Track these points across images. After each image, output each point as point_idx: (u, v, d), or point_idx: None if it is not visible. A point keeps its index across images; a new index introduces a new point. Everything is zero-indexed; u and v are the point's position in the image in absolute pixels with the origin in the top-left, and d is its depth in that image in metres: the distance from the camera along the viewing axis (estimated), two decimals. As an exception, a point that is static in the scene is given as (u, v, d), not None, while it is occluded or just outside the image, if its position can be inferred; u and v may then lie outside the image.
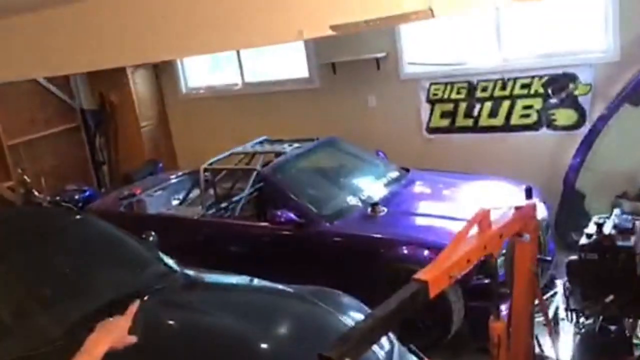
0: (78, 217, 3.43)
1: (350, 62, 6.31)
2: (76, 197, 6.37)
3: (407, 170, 5.38)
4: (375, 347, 2.69)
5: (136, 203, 5.89)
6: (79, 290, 2.93)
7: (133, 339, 1.65)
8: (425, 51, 6.20)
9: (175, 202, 6.00)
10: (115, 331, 1.63)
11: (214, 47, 2.24)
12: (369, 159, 5.53)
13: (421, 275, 1.96)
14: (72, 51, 2.78)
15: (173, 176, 6.52)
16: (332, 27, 2.03)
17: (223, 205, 5.35)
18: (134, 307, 1.69)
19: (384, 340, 2.78)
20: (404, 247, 4.14)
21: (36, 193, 6.48)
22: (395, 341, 2.85)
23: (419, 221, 4.50)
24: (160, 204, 5.86)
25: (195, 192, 5.84)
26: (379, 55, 6.13)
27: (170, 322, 2.79)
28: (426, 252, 4.07)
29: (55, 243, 3.16)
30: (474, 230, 2.19)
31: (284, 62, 7.14)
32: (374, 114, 6.45)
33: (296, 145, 5.45)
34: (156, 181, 6.43)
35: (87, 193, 6.48)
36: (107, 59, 2.85)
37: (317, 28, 2.09)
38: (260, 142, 5.81)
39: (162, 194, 6.14)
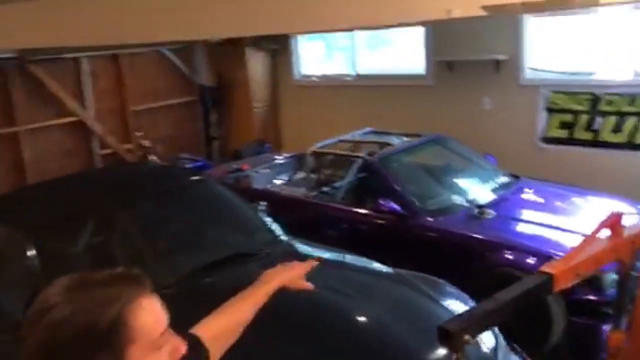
0: (197, 177, 3.62)
1: (469, 62, 6.20)
2: (189, 165, 6.70)
3: (517, 177, 5.22)
4: (480, 341, 2.66)
5: (243, 178, 6.13)
6: (193, 246, 3.11)
7: (308, 285, 1.66)
8: (548, 57, 5.98)
9: (278, 182, 6.17)
10: (293, 272, 1.65)
11: (359, 21, 2.28)
12: (477, 161, 5.41)
13: (548, 268, 1.90)
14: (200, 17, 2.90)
15: (279, 157, 6.74)
16: (484, 8, 2.00)
17: (325, 189, 5.45)
18: (315, 261, 1.71)
19: (488, 335, 2.73)
20: (509, 252, 4.03)
21: (152, 157, 6.89)
22: (500, 337, 2.80)
23: (527, 228, 4.36)
24: (265, 181, 6.05)
25: (299, 175, 5.98)
26: (500, 57, 5.98)
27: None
28: (531, 260, 3.95)
29: (175, 199, 3.36)
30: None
31: (399, 57, 7.13)
32: (487, 117, 6.30)
33: (404, 138, 5.45)
34: (263, 160, 6.66)
35: (199, 163, 6.80)
36: (231, 28, 2.96)
37: (468, 7, 2.06)
38: (366, 133, 5.85)
39: (267, 172, 6.35)
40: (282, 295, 2.84)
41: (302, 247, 3.35)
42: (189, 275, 2.80)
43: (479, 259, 4.08)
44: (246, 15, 2.75)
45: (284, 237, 3.40)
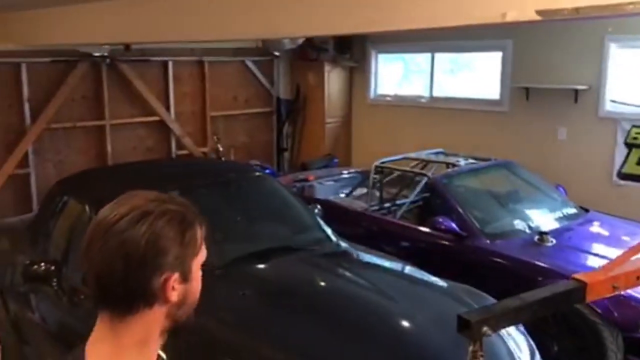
0: (258, 174, 3.77)
1: (546, 90, 6.07)
2: (256, 172, 6.91)
3: (587, 210, 5.04)
4: (512, 347, 2.60)
5: (307, 187, 6.26)
6: (244, 234, 3.25)
7: None
8: (631, 90, 5.76)
9: (341, 195, 6.25)
10: None
11: (413, 22, 2.33)
12: (545, 190, 5.27)
13: (582, 276, 1.86)
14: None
15: (345, 172, 6.83)
16: (538, 12, 2.01)
17: (386, 205, 5.47)
18: None
19: (524, 345, 2.68)
20: (562, 280, 3.88)
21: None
22: (537, 354, 2.72)
23: (587, 259, 4.19)
24: (328, 193, 6.15)
25: (361, 190, 6.04)
26: (579, 87, 5.82)
27: (309, 278, 2.97)
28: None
29: (234, 191, 3.52)
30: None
31: (477, 82, 7.08)
32: (561, 147, 6.12)
33: (471, 160, 5.40)
34: (329, 173, 6.78)
35: (268, 171, 6.98)
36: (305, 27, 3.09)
37: (522, 12, 2.08)
38: (435, 154, 5.84)
39: (331, 184, 6.46)
40: (327, 293, 2.90)
41: (350, 249, 3.40)
42: (235, 260, 2.93)
43: (532, 284, 3.94)
44: (319, 15, 2.87)
45: (334, 238, 3.46)
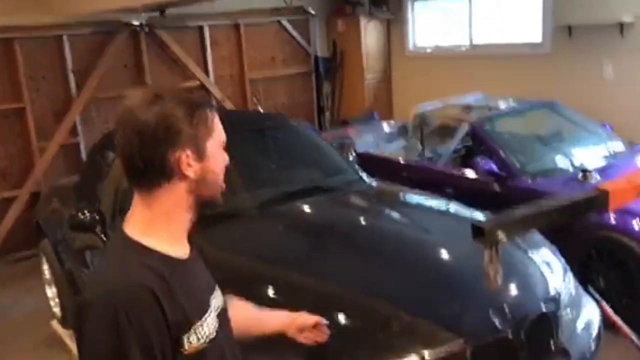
0: (293, 123, 3.85)
1: (590, 26, 5.81)
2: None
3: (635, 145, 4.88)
4: (544, 270, 2.58)
5: (347, 142, 6.25)
6: (279, 177, 3.35)
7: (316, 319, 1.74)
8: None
9: (381, 148, 6.23)
10: (303, 319, 1.73)
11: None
12: (590, 128, 5.12)
13: (604, 185, 1.83)
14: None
15: (385, 125, 6.79)
16: None
17: (427, 155, 5.43)
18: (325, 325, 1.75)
19: (557, 265, 2.66)
20: (612, 215, 3.79)
21: (265, 122, 7.21)
22: (569, 272, 2.70)
23: (635, 193, 4.07)
24: (368, 147, 6.13)
25: (402, 142, 6.01)
26: (625, 19, 5.54)
27: (339, 213, 3.02)
28: (636, 223, 3.71)
29: (270, 138, 3.60)
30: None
31: (517, 25, 6.85)
32: (607, 85, 5.89)
33: (512, 103, 5.28)
34: (369, 128, 6.75)
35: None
36: None
37: None
38: (477, 99, 5.73)
39: (372, 138, 6.43)
40: (358, 225, 2.94)
41: (385, 188, 3.43)
42: (268, 201, 3.03)
43: (578, 221, 3.87)
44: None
45: (367, 180, 3.50)
